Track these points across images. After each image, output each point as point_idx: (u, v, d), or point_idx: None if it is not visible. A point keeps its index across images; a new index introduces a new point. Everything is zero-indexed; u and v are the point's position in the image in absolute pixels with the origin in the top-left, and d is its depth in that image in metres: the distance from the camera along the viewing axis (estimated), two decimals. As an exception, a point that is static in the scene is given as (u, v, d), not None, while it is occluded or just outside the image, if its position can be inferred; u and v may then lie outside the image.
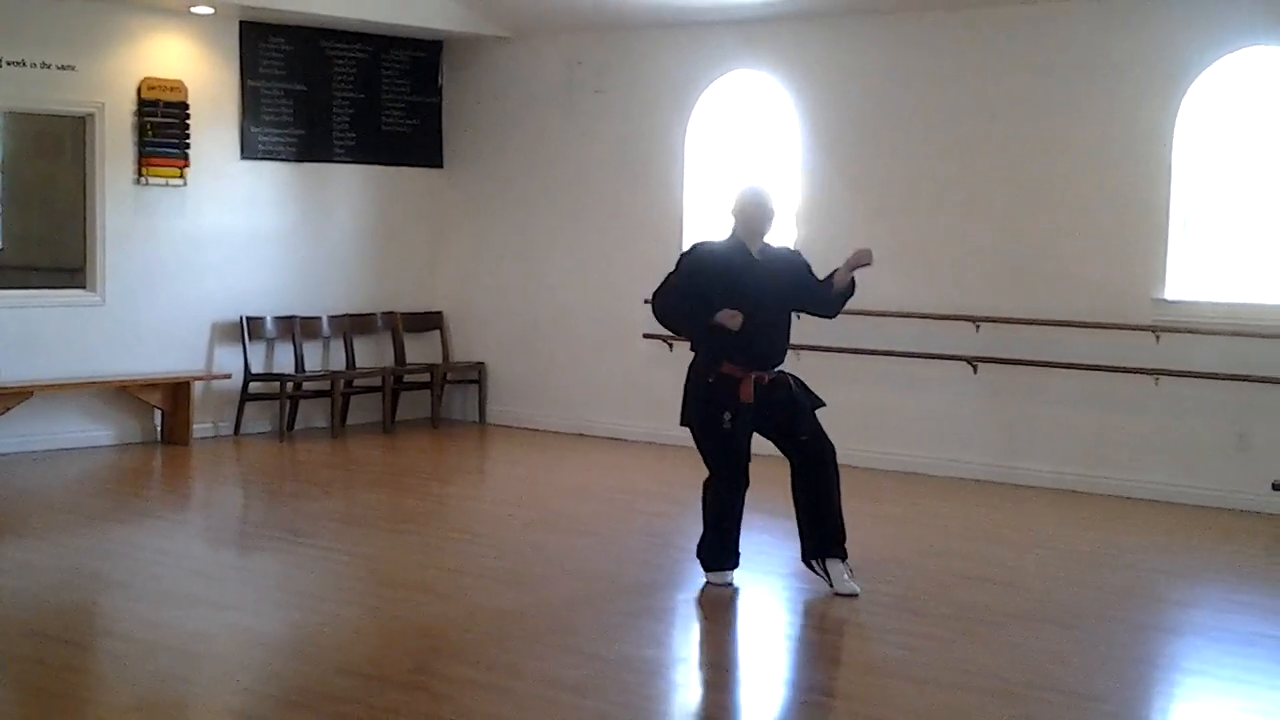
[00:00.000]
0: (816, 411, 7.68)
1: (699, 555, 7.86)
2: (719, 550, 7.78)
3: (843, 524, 7.65)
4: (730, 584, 7.75)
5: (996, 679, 6.34)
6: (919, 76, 11.17)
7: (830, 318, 8.04)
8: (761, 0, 11.33)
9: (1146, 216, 10.28)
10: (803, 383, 7.73)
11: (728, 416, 7.52)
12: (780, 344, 7.70)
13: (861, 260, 7.58)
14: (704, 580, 7.77)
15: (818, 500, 7.64)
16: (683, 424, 7.84)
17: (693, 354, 7.73)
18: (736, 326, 7.38)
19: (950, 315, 10.85)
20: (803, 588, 7.72)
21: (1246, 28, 9.88)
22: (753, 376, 7.51)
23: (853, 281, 7.67)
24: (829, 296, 7.72)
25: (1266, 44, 9.86)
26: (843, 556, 7.61)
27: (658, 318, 7.79)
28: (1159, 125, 10.19)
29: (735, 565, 7.81)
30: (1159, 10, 10.18)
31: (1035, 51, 10.69)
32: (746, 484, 7.71)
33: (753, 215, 7.63)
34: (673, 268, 7.72)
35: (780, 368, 7.68)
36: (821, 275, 7.76)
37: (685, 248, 7.82)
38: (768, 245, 7.72)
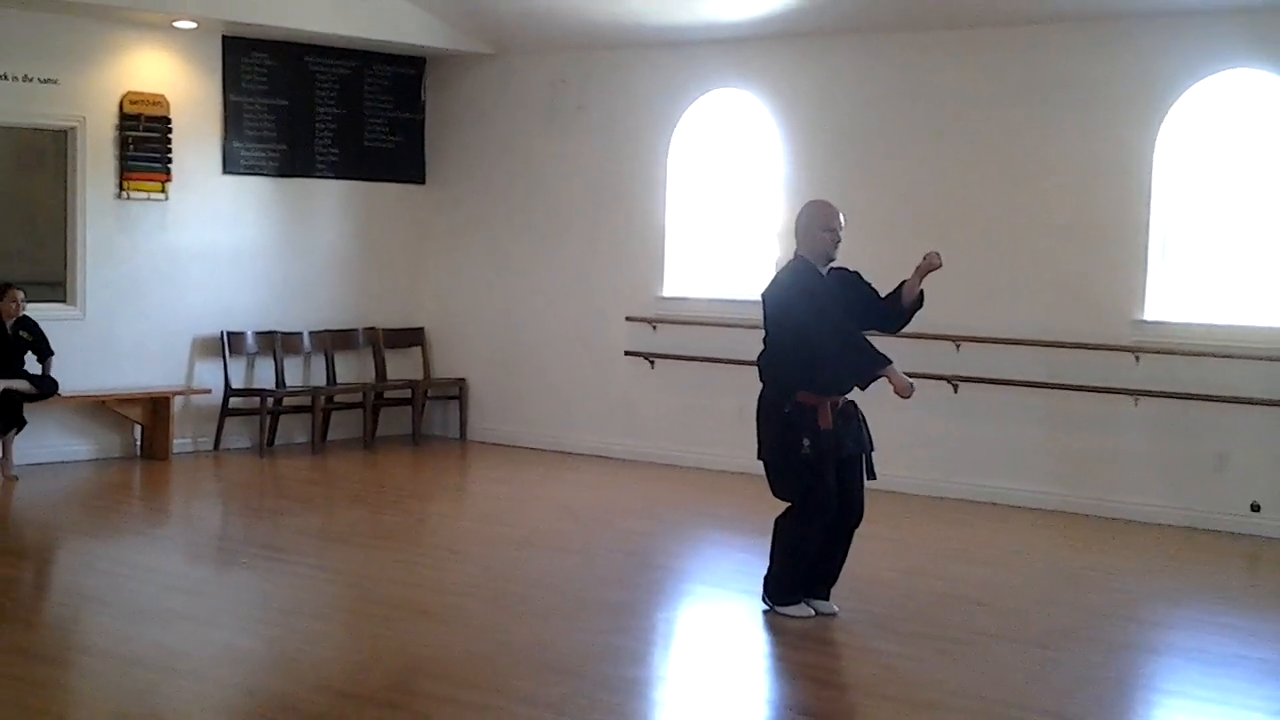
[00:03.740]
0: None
1: (767, 591, 7.54)
2: (793, 584, 7.47)
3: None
4: (812, 615, 7.46)
5: (975, 698, 6.35)
6: (901, 96, 11.20)
7: (893, 333, 7.76)
8: (744, 20, 11.37)
9: (1126, 238, 10.32)
10: (864, 418, 7.53)
11: (807, 443, 7.25)
12: None
13: (931, 265, 7.33)
14: (686, 600, 7.75)
15: (832, 551, 7.50)
16: (759, 457, 7.53)
17: (761, 384, 7.49)
18: (907, 393, 7.21)
19: (931, 335, 10.85)
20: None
21: (1227, 51, 9.94)
22: (828, 402, 7.31)
23: (921, 294, 7.43)
24: (893, 311, 7.47)
25: (1246, 67, 9.92)
26: (827, 596, 7.58)
27: (805, 380, 7.29)
28: (1139, 147, 10.24)
29: (823, 595, 7.57)
30: (1140, 33, 10.23)
31: (1017, 73, 10.73)
32: (834, 512, 7.38)
33: (822, 238, 7.39)
34: (770, 318, 7.41)
35: (849, 395, 7.44)
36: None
37: (762, 291, 7.48)
38: (830, 265, 7.51)
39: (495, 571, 8.50)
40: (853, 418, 7.44)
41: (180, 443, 12.03)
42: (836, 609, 7.50)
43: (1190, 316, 10.17)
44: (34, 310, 11.22)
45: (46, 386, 10.95)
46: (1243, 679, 6.82)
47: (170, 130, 11.93)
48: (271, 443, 12.55)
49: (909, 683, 6.57)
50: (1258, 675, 6.89)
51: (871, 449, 7.54)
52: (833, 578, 7.56)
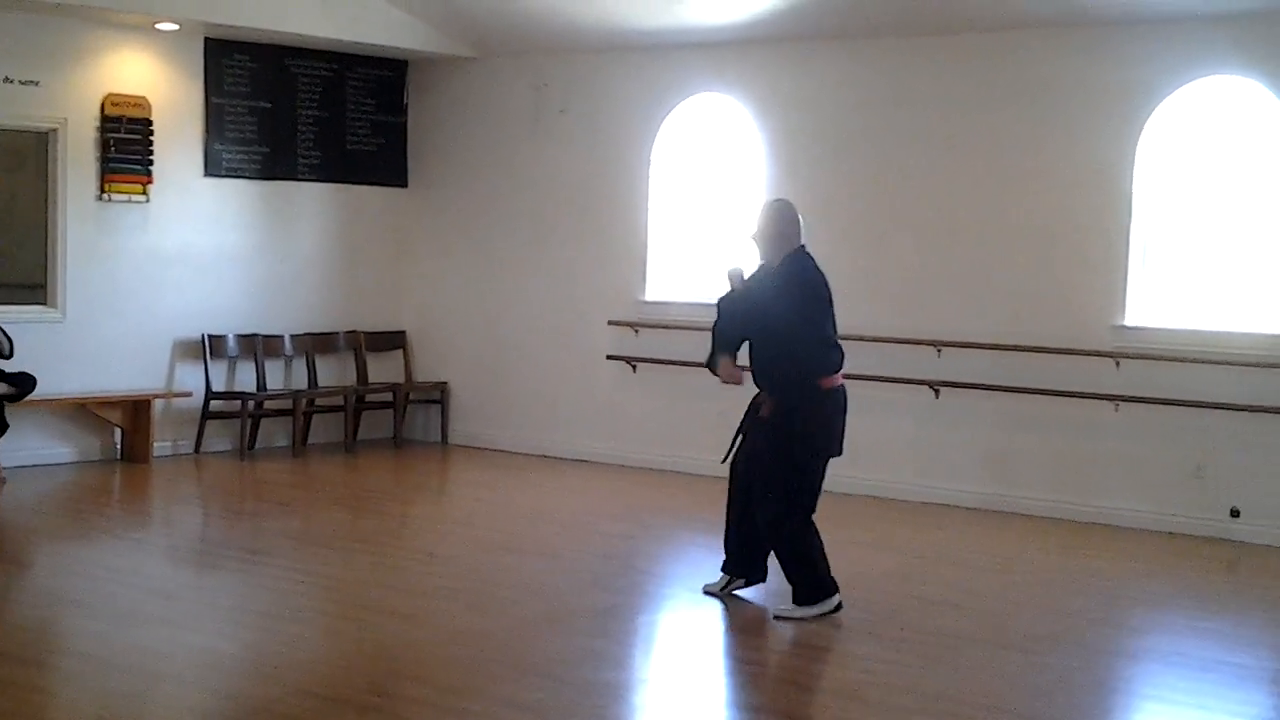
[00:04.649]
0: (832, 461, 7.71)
1: None
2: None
3: (796, 577, 7.61)
4: (714, 585, 7.98)
5: (956, 703, 6.36)
6: (882, 102, 11.22)
7: None
8: (726, 24, 11.38)
9: (1107, 243, 10.35)
10: (790, 425, 7.45)
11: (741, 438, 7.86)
12: (761, 369, 7.59)
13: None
14: (668, 604, 7.78)
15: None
16: None
17: None
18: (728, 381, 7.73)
19: (912, 340, 10.89)
20: (767, 610, 7.71)
21: (1208, 57, 9.97)
22: (755, 399, 7.73)
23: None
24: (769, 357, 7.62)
25: (1227, 73, 9.95)
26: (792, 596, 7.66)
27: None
28: (1120, 153, 10.27)
29: (726, 569, 8.00)
30: (1120, 39, 10.26)
31: (998, 78, 10.76)
32: (732, 499, 7.92)
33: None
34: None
35: (782, 397, 7.48)
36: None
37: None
38: (792, 260, 7.50)
39: (476, 575, 8.49)
40: (754, 409, 7.69)
41: (161, 446, 12.00)
42: (799, 614, 7.56)
43: (1170, 322, 10.20)
44: (14, 313, 11.17)
45: (24, 384, 10.89)
46: (1222, 684, 6.84)
47: (152, 132, 11.90)
48: (252, 446, 12.52)
49: (889, 687, 6.58)
50: (1236, 680, 6.92)
51: (758, 439, 7.61)
52: (756, 564, 7.86)
